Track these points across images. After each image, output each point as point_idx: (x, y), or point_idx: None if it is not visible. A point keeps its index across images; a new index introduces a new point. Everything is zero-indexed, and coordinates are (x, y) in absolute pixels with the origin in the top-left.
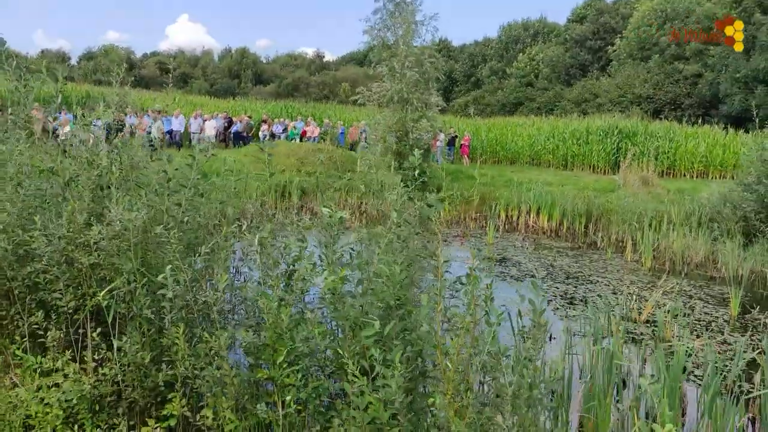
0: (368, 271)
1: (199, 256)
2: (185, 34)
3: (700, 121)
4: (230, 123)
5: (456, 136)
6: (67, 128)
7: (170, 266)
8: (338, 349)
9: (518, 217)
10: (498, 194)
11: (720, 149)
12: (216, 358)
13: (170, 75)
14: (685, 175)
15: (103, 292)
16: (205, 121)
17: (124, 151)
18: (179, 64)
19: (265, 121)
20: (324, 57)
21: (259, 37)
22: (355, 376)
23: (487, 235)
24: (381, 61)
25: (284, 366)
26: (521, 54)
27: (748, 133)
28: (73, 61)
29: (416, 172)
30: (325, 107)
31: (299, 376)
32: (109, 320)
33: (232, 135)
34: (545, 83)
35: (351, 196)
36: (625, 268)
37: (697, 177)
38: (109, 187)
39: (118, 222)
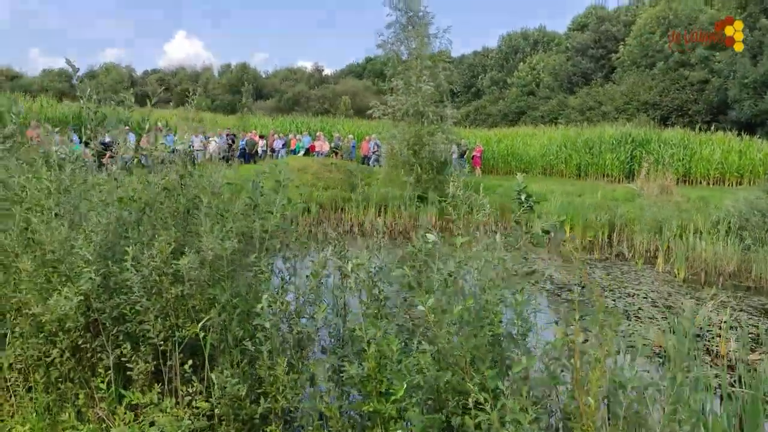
0: (480, 298)
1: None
2: (183, 50)
3: (708, 127)
4: (233, 140)
5: (467, 148)
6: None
7: (266, 296)
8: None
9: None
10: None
11: (735, 156)
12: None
13: (169, 92)
14: (701, 183)
15: (201, 323)
16: (209, 138)
17: (203, 176)
18: (180, 80)
19: (263, 137)
20: (323, 71)
21: (256, 51)
22: (481, 409)
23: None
24: (396, 75)
25: (402, 399)
26: (522, 63)
27: (761, 139)
28: (74, 80)
29: (523, 196)
30: (334, 121)
31: (417, 410)
32: (206, 352)
33: (237, 152)
34: (547, 92)
35: (368, 212)
36: (658, 279)
37: (713, 184)
38: (191, 213)
39: (210, 251)
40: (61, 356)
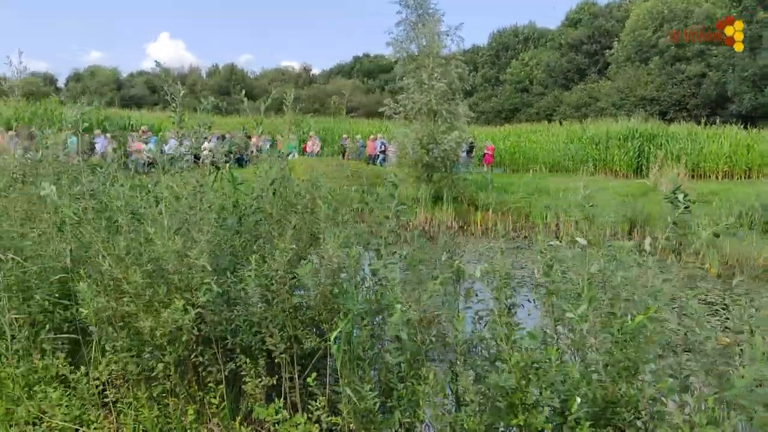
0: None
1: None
2: (166, 52)
3: (713, 121)
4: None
5: (474, 145)
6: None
7: (400, 305)
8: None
9: (558, 225)
10: (523, 202)
11: (744, 149)
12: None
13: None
14: (710, 177)
15: (334, 334)
16: (206, 139)
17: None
18: (166, 82)
19: (249, 137)
20: (311, 70)
21: (240, 53)
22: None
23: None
24: (407, 74)
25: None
26: (513, 60)
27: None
28: (60, 83)
29: (680, 195)
30: (335, 122)
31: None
32: (338, 364)
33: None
34: (541, 88)
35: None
36: (690, 276)
37: (723, 178)
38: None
39: (334, 260)
40: (166, 370)
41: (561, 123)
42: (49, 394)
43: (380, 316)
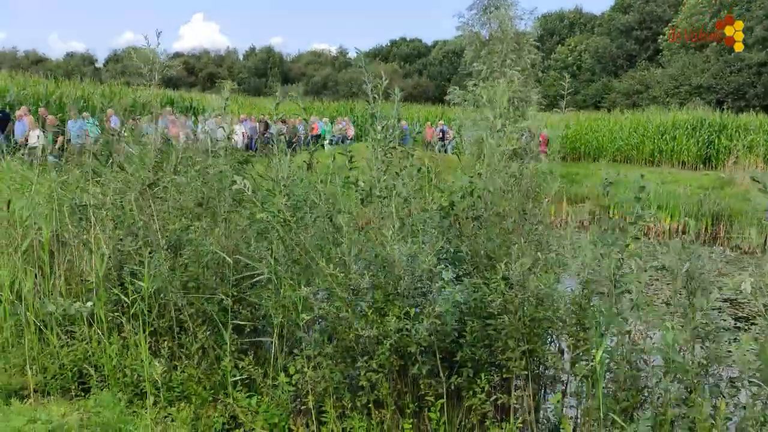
0: None
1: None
2: (199, 33)
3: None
4: (266, 127)
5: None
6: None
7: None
8: None
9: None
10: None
11: None
12: None
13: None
14: None
15: (598, 354)
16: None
17: None
18: (205, 64)
19: (284, 121)
20: (347, 54)
21: (272, 35)
22: None
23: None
24: (477, 59)
25: None
26: (559, 45)
27: None
28: (99, 63)
29: None
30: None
31: None
32: (600, 382)
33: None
34: (589, 75)
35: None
36: None
37: None
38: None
39: (587, 270)
40: (378, 380)
41: (609, 111)
42: (241, 399)
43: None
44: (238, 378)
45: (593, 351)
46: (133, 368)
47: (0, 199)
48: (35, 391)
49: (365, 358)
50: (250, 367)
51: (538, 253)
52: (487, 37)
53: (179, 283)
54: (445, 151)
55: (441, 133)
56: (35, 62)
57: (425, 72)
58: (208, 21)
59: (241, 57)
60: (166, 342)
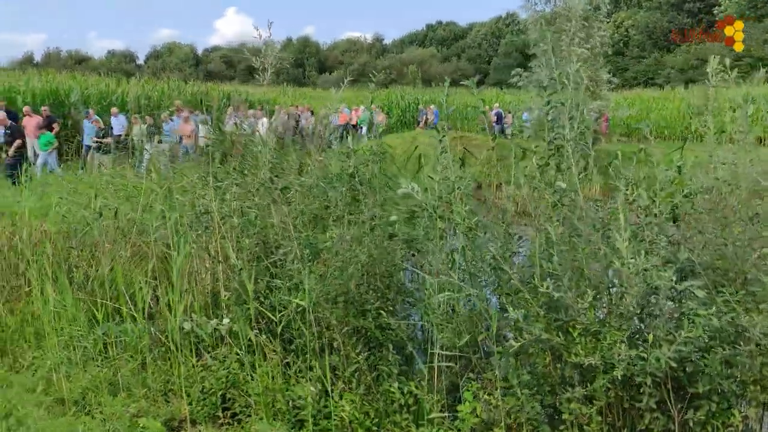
0: None
1: None
2: (234, 27)
3: None
4: (298, 120)
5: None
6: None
7: None
8: None
9: None
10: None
11: None
12: None
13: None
14: None
15: None
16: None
17: None
18: (243, 57)
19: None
20: (383, 40)
21: (304, 25)
22: None
23: None
24: (543, 39)
25: None
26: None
27: None
28: (140, 60)
29: None
30: (432, 91)
31: None
32: None
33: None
34: (638, 51)
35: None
36: None
37: None
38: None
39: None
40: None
41: (662, 88)
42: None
43: None
44: (404, 403)
45: None
46: (285, 393)
47: (106, 207)
48: (183, 420)
49: (577, 388)
50: (418, 391)
51: None
52: (552, 16)
53: (329, 298)
54: (504, 135)
55: (496, 117)
56: (78, 62)
57: (464, 55)
58: (241, 14)
59: (279, 48)
60: (316, 364)
